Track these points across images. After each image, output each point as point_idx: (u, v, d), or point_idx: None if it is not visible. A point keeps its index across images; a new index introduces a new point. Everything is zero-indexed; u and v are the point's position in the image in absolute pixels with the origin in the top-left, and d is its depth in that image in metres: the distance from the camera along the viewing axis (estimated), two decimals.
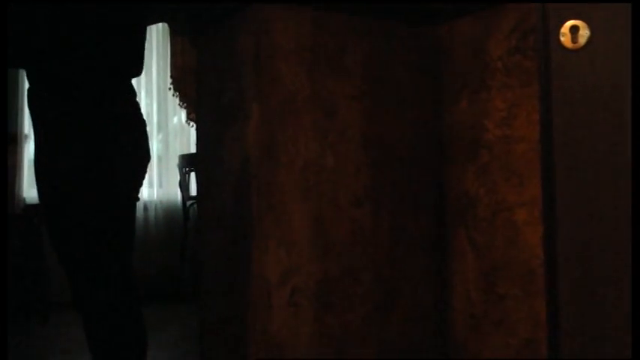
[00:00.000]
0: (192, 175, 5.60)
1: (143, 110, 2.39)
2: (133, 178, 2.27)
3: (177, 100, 5.98)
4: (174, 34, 5.77)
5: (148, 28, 2.33)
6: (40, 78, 2.24)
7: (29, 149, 6.04)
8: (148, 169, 2.34)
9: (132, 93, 2.28)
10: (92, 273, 2.17)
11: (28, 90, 2.29)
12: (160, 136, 6.01)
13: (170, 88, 5.95)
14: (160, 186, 6.03)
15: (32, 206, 5.66)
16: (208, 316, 2.42)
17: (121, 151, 2.19)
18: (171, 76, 5.96)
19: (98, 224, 2.15)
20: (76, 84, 2.18)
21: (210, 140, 2.40)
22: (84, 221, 2.14)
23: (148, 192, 5.92)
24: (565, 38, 1.69)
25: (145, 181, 2.48)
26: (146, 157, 2.31)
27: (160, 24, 6.07)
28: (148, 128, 2.34)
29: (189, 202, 5.67)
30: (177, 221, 5.96)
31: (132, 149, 2.24)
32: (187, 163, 5.61)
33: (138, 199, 2.30)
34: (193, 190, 5.55)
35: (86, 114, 2.16)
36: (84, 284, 2.19)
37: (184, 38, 5.53)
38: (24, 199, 5.95)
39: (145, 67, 2.40)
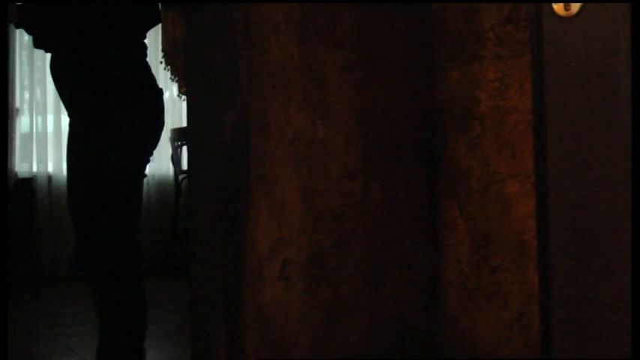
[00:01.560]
0: (184, 149, 5.58)
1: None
2: (146, 144, 2.39)
3: (168, 75, 5.95)
4: (166, 8, 5.73)
5: None
6: (58, 47, 2.31)
7: (20, 123, 6.01)
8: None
9: (144, 52, 2.33)
10: (98, 234, 2.28)
11: (51, 58, 2.35)
12: None
13: (161, 62, 5.91)
14: (152, 160, 6.01)
15: (24, 180, 5.64)
16: (199, 289, 2.41)
17: (136, 122, 2.29)
18: (163, 50, 5.92)
19: (107, 187, 2.26)
20: (93, 50, 2.23)
21: (201, 111, 2.38)
22: (94, 184, 2.26)
23: None
24: (558, 6, 1.67)
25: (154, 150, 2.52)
26: (158, 127, 2.42)
27: None
28: None
29: (181, 177, 5.65)
30: (169, 195, 5.95)
31: (144, 119, 2.34)
32: (179, 137, 5.59)
33: (145, 174, 2.39)
34: (185, 164, 5.54)
35: (101, 82, 2.24)
36: (91, 246, 2.30)
37: (175, 11, 5.50)
38: (16, 173, 5.92)
39: None
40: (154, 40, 5.92)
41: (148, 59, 2.45)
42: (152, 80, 2.40)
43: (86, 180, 2.31)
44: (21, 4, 2.38)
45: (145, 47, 2.42)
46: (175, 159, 5.68)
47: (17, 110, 6.04)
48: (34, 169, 5.97)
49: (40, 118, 6.04)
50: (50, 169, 5.96)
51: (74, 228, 2.38)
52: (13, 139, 5.96)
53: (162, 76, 6.02)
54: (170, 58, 5.87)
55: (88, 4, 2.26)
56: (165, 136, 5.91)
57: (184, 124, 5.75)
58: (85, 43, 2.29)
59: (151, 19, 2.44)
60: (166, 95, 6.19)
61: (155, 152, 2.59)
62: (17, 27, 2.51)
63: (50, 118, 6.06)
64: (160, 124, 2.41)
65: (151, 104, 2.37)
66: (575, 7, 1.65)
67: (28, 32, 2.54)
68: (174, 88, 6.03)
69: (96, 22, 2.27)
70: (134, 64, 2.36)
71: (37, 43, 2.47)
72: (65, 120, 6.08)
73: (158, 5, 2.47)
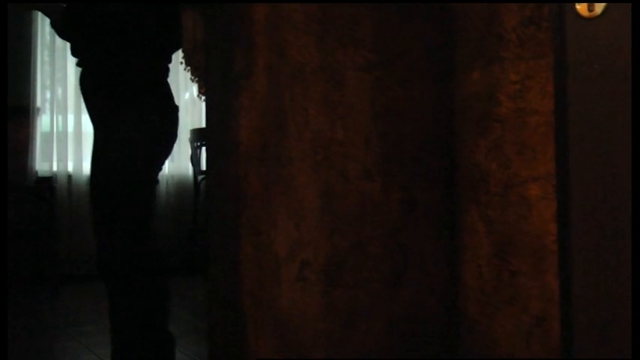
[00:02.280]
0: (204, 149, 5.59)
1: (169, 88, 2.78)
2: (159, 155, 2.66)
3: (188, 75, 5.95)
4: (185, 8, 5.74)
5: None
6: (89, 64, 2.55)
7: (41, 123, 6.05)
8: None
9: (161, 75, 2.56)
10: (117, 234, 2.51)
11: (81, 73, 2.61)
12: None
13: (182, 62, 5.92)
14: (171, 160, 6.03)
15: (44, 179, 5.68)
16: (216, 289, 2.40)
17: (151, 133, 2.57)
18: (183, 50, 5.94)
19: (123, 192, 2.50)
20: (120, 70, 2.48)
21: (219, 111, 2.38)
22: (112, 189, 2.51)
23: None
24: (581, 6, 1.65)
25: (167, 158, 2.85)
26: (170, 138, 2.70)
27: None
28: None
29: (200, 177, 5.67)
30: (188, 196, 5.96)
31: (160, 132, 2.62)
32: (199, 137, 5.60)
33: (157, 180, 2.63)
34: (204, 165, 5.55)
35: (125, 98, 2.48)
36: (109, 245, 2.52)
37: (195, 11, 5.50)
38: (36, 172, 5.97)
39: None
40: None
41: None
42: (170, 98, 2.69)
43: (105, 185, 2.54)
44: (66, 6, 2.59)
45: (168, 69, 2.71)
46: (195, 159, 5.69)
47: (38, 109, 6.08)
48: (54, 168, 6.01)
49: (60, 118, 6.08)
50: (70, 168, 6.00)
51: (94, 232, 2.59)
52: (33, 138, 6.00)
53: (183, 77, 6.03)
54: (190, 58, 5.88)
55: (123, 27, 2.54)
56: (185, 136, 5.92)
57: (204, 124, 5.77)
58: (116, 62, 2.56)
59: (176, 44, 2.75)
60: (186, 96, 6.21)
61: (175, 153, 2.89)
62: (53, 26, 2.78)
63: (71, 118, 6.11)
64: (173, 137, 2.70)
65: (167, 119, 2.65)
66: (599, 7, 1.63)
67: (62, 36, 2.81)
68: (194, 88, 6.04)
69: (128, 44, 2.55)
70: (157, 83, 2.64)
71: (73, 51, 2.75)
72: (85, 120, 6.13)
73: (182, 31, 2.78)
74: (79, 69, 2.72)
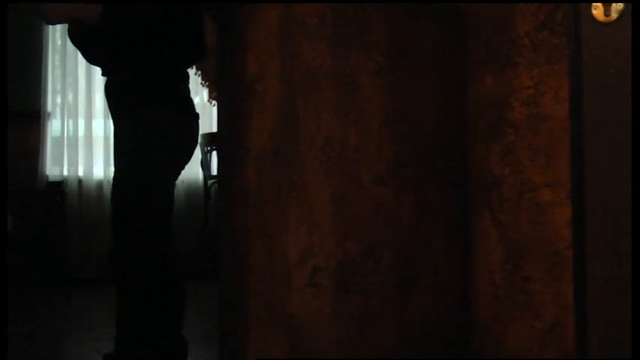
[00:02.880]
0: (214, 154, 5.60)
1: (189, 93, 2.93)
2: (177, 160, 2.78)
3: (199, 80, 5.96)
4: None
5: None
6: (113, 73, 2.63)
7: (52, 127, 6.06)
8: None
9: (183, 84, 2.63)
10: (133, 233, 2.59)
11: (106, 81, 2.69)
12: None
13: (192, 67, 5.92)
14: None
15: (55, 183, 5.69)
16: (227, 294, 2.40)
17: (170, 139, 2.66)
18: None
19: (144, 197, 2.60)
20: (143, 78, 2.54)
21: (231, 116, 2.38)
22: (134, 189, 2.61)
23: None
24: (597, 11, 1.64)
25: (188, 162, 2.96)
26: (191, 144, 2.82)
27: None
28: None
29: (210, 181, 5.67)
30: (198, 200, 5.97)
31: (179, 139, 2.72)
32: (209, 142, 5.61)
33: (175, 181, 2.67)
34: (215, 170, 5.55)
35: (147, 106, 2.53)
36: (128, 242, 2.60)
37: (207, 16, 5.51)
38: (47, 176, 5.99)
39: None
40: None
41: None
42: (190, 104, 2.81)
43: (127, 185, 2.64)
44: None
45: (187, 77, 2.85)
46: (205, 164, 5.70)
47: (49, 114, 6.10)
48: (65, 172, 6.02)
49: (71, 122, 6.10)
50: (80, 172, 6.01)
51: (112, 228, 2.68)
52: (44, 142, 6.01)
53: (193, 81, 6.04)
54: (201, 63, 5.87)
55: (143, 36, 2.65)
56: None
57: (214, 129, 5.77)
58: (139, 72, 2.66)
59: (197, 55, 2.89)
60: (197, 100, 6.22)
61: None
62: (70, 34, 2.85)
63: (81, 123, 6.12)
64: (194, 143, 2.82)
65: (188, 126, 2.76)
66: (615, 12, 1.62)
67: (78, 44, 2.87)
68: (205, 93, 6.05)
69: (151, 54, 2.65)
70: (177, 92, 2.74)
71: (90, 59, 2.82)
72: (96, 124, 6.14)
73: (205, 43, 2.89)
74: (90, 74, 2.80)
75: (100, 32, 2.66)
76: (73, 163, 6.02)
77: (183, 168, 2.86)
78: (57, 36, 6.09)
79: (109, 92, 2.80)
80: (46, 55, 6.07)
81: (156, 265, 2.58)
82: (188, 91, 2.81)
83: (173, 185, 2.79)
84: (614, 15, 1.62)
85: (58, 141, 6.11)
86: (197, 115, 2.80)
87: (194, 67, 5.87)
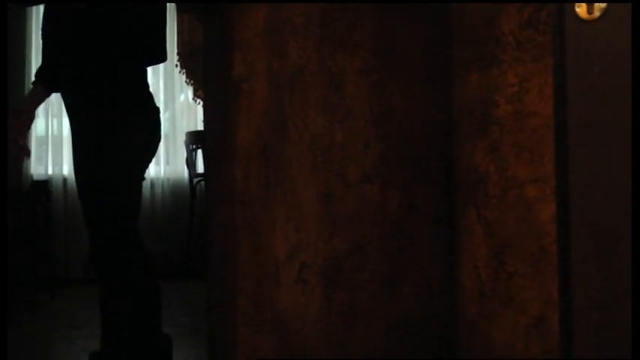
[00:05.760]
0: (199, 152, 5.59)
1: (150, 88, 2.80)
2: (142, 157, 2.70)
3: (183, 78, 5.95)
4: (181, 12, 5.74)
5: None
6: (67, 76, 2.56)
7: (36, 127, 6.03)
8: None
9: (145, 81, 2.58)
10: (105, 232, 2.56)
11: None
12: (167, 114, 5.99)
13: (177, 66, 5.92)
14: (166, 163, 6.02)
15: (39, 183, 5.66)
16: (215, 292, 2.41)
17: (133, 136, 2.59)
18: (178, 54, 5.93)
19: (109, 194, 2.55)
20: (98, 76, 2.48)
21: (218, 114, 2.38)
22: (98, 191, 2.56)
23: (155, 169, 5.90)
24: (581, 9, 1.66)
25: (153, 159, 2.84)
26: (155, 141, 2.72)
27: None
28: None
29: (195, 180, 5.66)
30: (184, 198, 5.95)
31: (143, 134, 2.65)
32: (194, 140, 5.60)
33: (144, 177, 2.61)
34: (200, 168, 5.55)
35: (105, 104, 2.48)
36: (100, 243, 2.57)
37: (191, 15, 5.51)
38: (31, 175, 5.95)
39: None
40: (169, 43, 5.94)
41: (163, 63, 2.90)
42: (151, 99, 2.72)
43: (92, 184, 2.61)
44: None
45: (146, 71, 2.73)
46: (190, 162, 5.69)
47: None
48: (50, 171, 6.00)
49: (55, 121, 6.07)
50: (65, 171, 5.98)
51: (87, 229, 2.65)
52: (28, 141, 5.97)
53: (178, 80, 6.03)
54: (185, 61, 5.87)
55: (107, 43, 2.57)
56: (181, 139, 5.92)
57: (199, 127, 5.77)
58: (99, 70, 2.60)
59: (157, 58, 2.77)
60: (181, 99, 6.20)
61: (170, 155, 2.95)
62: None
63: (66, 122, 6.07)
64: (157, 137, 2.74)
65: (150, 120, 2.69)
66: (598, 10, 1.64)
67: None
68: (190, 91, 6.04)
69: (112, 53, 2.58)
70: (136, 88, 2.67)
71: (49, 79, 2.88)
72: None
73: (166, 46, 2.79)
74: None
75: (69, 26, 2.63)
76: (58, 162, 5.99)
77: (147, 165, 2.79)
78: (40, 34, 6.05)
79: (65, 90, 2.77)
80: (30, 53, 6.04)
81: (125, 263, 2.57)
82: (147, 85, 2.74)
83: (139, 184, 2.73)
84: (597, 13, 1.64)
85: (43, 140, 6.08)
86: (158, 110, 2.74)
87: (179, 65, 5.88)
